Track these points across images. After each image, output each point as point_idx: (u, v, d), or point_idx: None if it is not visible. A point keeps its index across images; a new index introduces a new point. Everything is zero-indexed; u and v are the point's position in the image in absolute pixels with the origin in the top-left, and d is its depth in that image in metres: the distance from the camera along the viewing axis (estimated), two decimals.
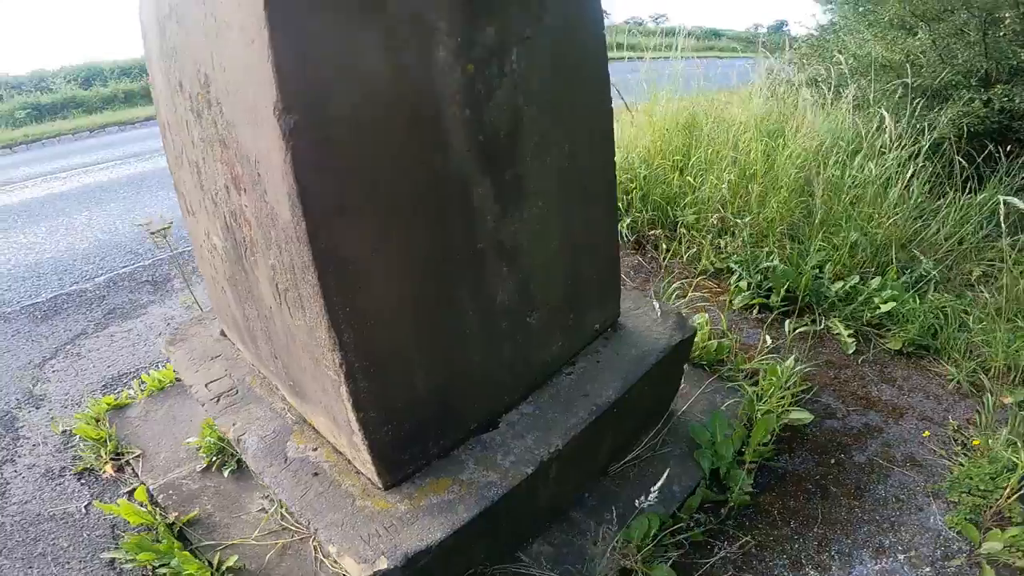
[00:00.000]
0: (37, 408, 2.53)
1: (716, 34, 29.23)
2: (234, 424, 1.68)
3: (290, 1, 0.97)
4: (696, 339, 2.31)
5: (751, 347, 2.55)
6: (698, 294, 2.87)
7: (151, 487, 2.00)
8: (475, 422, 1.58)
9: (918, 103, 3.31)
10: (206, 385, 1.87)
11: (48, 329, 3.17)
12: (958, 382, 2.34)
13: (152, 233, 2.48)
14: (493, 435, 1.58)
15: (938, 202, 3.10)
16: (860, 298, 2.72)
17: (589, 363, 1.81)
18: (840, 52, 4.11)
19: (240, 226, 1.36)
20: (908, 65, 3.51)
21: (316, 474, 1.49)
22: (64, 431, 2.35)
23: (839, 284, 2.80)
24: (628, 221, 3.41)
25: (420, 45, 1.14)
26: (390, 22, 1.08)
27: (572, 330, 1.77)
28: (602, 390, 1.70)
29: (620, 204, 3.43)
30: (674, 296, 2.71)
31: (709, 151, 3.43)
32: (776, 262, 2.85)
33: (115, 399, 2.44)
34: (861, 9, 4.77)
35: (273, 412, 1.71)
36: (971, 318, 2.51)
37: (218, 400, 1.79)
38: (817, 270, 2.86)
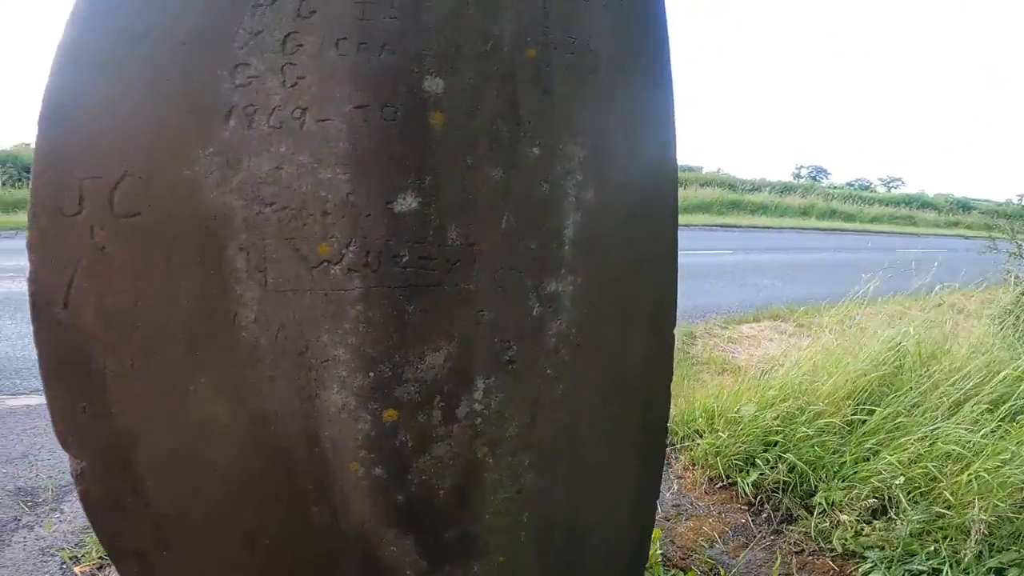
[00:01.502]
0: None
1: (965, 206, 23.19)
2: None
3: None
4: None
5: None
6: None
7: None
8: None
9: None
10: None
11: None
12: None
13: None
14: None
15: None
16: None
17: None
18: None
19: None
20: None
21: None
22: None
23: None
24: (752, 478, 2.45)
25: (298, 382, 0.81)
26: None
27: None
28: None
29: (748, 455, 2.51)
30: None
31: (904, 404, 2.39)
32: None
33: None
34: None
35: None
36: None
37: None
38: None
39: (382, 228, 0.78)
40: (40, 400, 3.35)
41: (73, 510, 2.33)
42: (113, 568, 1.87)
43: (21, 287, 4.96)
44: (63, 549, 2.05)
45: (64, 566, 1.99)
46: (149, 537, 0.82)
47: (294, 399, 0.81)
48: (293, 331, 0.78)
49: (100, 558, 1.99)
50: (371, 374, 0.82)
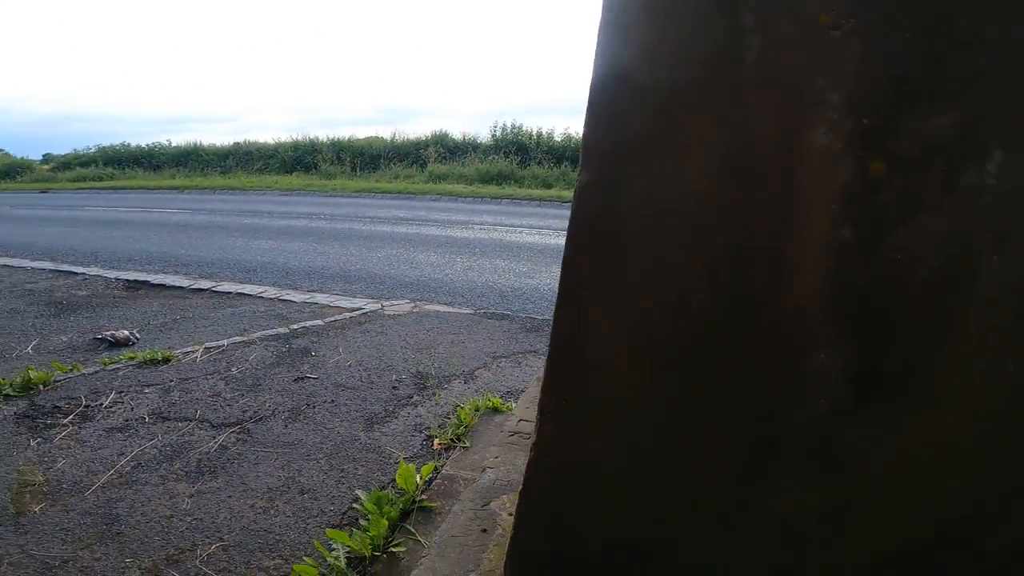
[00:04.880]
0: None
1: None
2: None
3: None
4: None
5: None
6: None
7: None
8: None
9: None
10: None
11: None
12: None
13: None
14: None
15: None
16: None
17: None
18: None
19: None
20: None
21: None
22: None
23: None
24: None
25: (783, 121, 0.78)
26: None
27: None
28: None
29: None
30: None
31: None
32: None
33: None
34: None
35: None
36: None
37: None
38: None
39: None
40: (451, 309, 4.63)
41: (446, 397, 2.92)
42: (457, 448, 2.38)
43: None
44: (429, 428, 2.57)
45: (426, 441, 2.48)
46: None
47: (775, 132, 0.79)
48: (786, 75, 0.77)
49: (451, 439, 2.41)
50: (864, 120, 0.75)
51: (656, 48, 0.85)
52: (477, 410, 2.62)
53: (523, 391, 2.93)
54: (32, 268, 5.80)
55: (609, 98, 0.88)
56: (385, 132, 24.33)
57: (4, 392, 2.76)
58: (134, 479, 2.16)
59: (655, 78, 0.85)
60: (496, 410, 2.65)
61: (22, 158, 28.19)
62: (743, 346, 0.85)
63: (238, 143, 23.99)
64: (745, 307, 0.84)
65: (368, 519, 1.84)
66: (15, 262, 6.14)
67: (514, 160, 17.92)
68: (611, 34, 0.87)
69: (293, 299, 4.68)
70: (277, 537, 1.86)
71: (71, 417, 2.57)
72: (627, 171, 0.88)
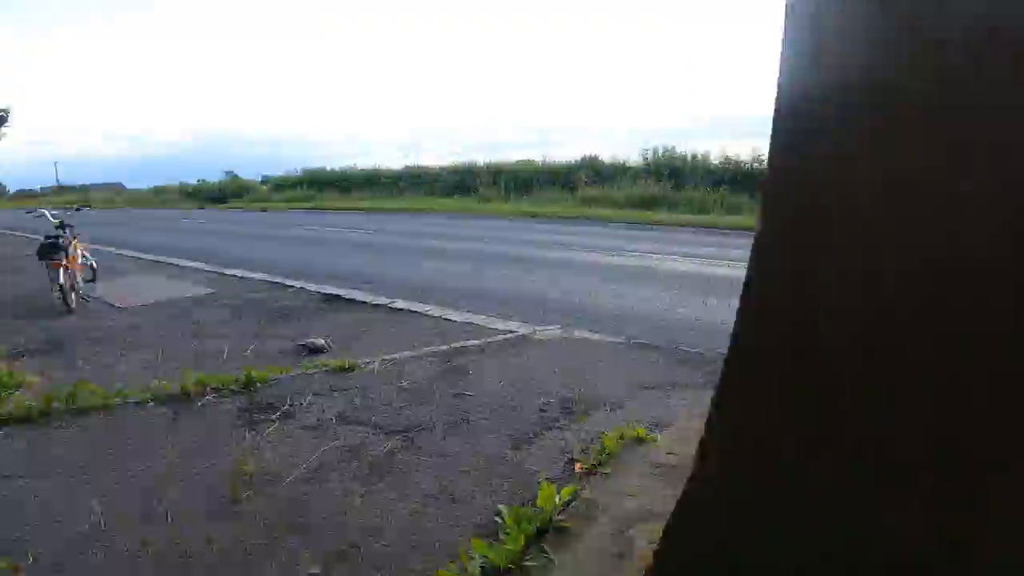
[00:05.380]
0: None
1: None
2: None
3: None
4: None
5: None
6: None
7: None
8: None
9: None
10: None
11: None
12: None
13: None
14: None
15: None
16: None
17: None
18: None
19: None
20: None
21: None
22: None
23: None
24: None
25: None
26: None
27: None
28: None
29: None
30: None
31: None
32: None
33: None
34: None
35: None
36: None
37: None
38: None
39: None
40: (600, 336, 4.67)
41: (591, 423, 2.95)
42: (599, 473, 2.37)
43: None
44: (572, 452, 2.64)
45: (569, 464, 2.53)
46: None
47: None
48: None
49: (593, 464, 2.45)
50: None
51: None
52: (621, 438, 2.63)
53: (670, 423, 2.87)
54: (254, 279, 7.04)
55: (802, 122, 0.88)
56: (535, 153, 25.39)
57: (230, 387, 3.40)
58: (319, 476, 2.51)
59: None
60: (641, 440, 2.64)
61: (247, 180, 34.30)
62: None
63: (409, 167, 26.82)
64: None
65: (507, 533, 1.95)
66: (241, 272, 7.51)
67: (667, 184, 17.45)
68: (798, 56, 0.88)
69: (453, 319, 5.08)
70: (426, 540, 2.05)
71: (278, 414, 3.09)
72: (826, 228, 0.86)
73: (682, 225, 13.32)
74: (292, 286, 6.57)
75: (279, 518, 2.19)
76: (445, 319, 5.09)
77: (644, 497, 2.12)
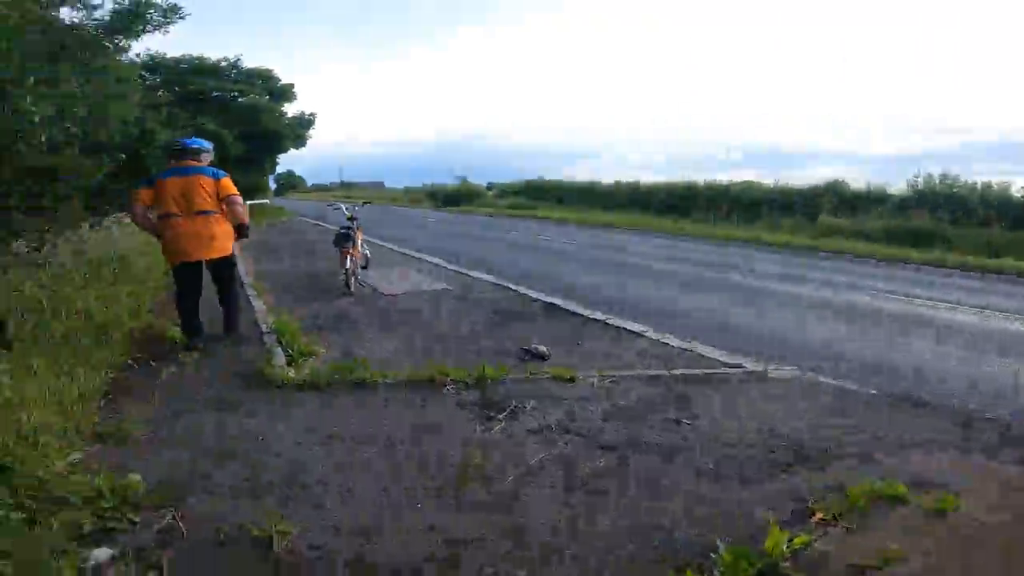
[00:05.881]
0: None
1: None
2: None
3: None
4: None
5: None
6: None
7: None
8: None
9: None
10: None
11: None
12: None
13: None
14: None
15: None
16: None
17: None
18: None
19: None
20: None
21: None
22: None
23: None
24: None
25: None
26: None
27: None
28: None
29: None
30: None
31: None
32: None
33: None
34: None
35: None
36: None
37: None
38: None
39: None
40: (846, 384, 3.96)
41: (833, 473, 2.59)
42: (839, 526, 2.09)
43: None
44: (806, 499, 2.34)
45: (800, 511, 2.26)
46: None
47: None
48: None
49: (834, 516, 2.18)
50: None
51: None
52: (873, 493, 2.32)
53: (941, 486, 2.43)
54: (482, 280, 7.73)
55: None
56: (752, 175, 23.49)
57: (466, 381, 3.72)
58: (536, 480, 2.58)
59: None
60: (899, 500, 2.30)
61: (475, 184, 38.02)
62: None
63: (621, 182, 26.90)
64: None
65: (722, 571, 1.85)
66: (470, 272, 8.30)
67: (943, 217, 14.42)
68: None
69: (672, 344, 4.87)
70: (629, 564, 1.97)
71: (505, 414, 3.28)
72: None
73: (965, 268, 10.87)
74: (514, 290, 7.03)
75: (494, 515, 2.28)
76: (663, 343, 4.90)
77: (899, 563, 1.91)
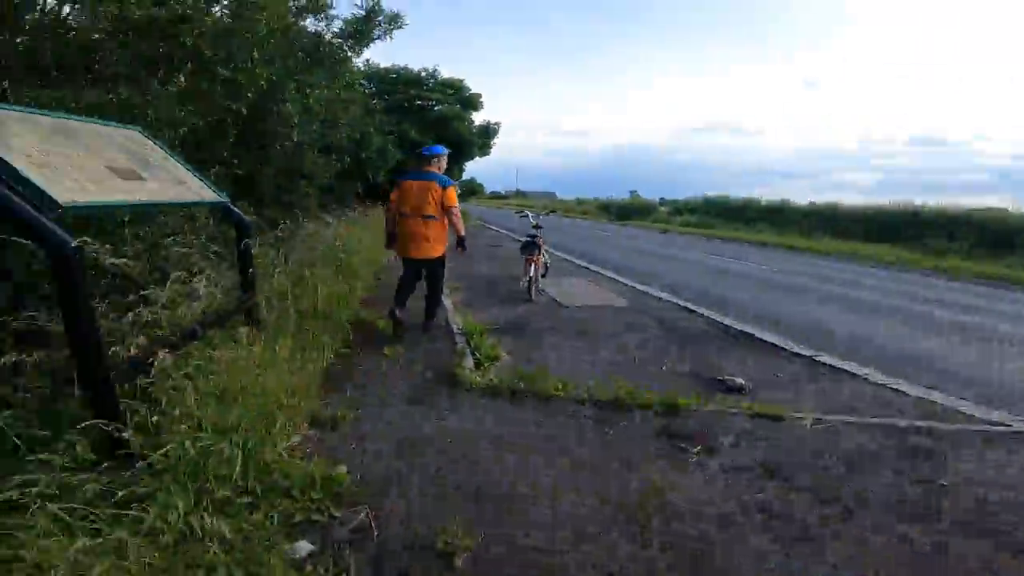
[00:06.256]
0: None
1: None
2: None
3: None
4: None
5: None
6: None
7: None
8: None
9: None
10: None
11: None
12: None
13: None
14: None
15: None
16: None
17: None
18: None
19: None
20: None
21: None
22: None
23: None
24: None
25: None
26: None
27: None
28: None
29: None
30: None
31: None
32: None
33: None
34: None
35: None
36: None
37: None
38: None
39: None
40: None
41: None
42: None
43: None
44: None
45: None
46: None
47: None
48: None
49: None
50: None
51: None
52: None
53: None
54: (662, 299, 7.32)
55: None
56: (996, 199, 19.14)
57: (654, 408, 3.45)
58: (731, 524, 2.28)
59: None
60: None
61: (647, 200, 36.88)
62: None
63: (815, 203, 24.07)
64: None
65: None
66: (650, 290, 7.92)
67: None
68: None
69: (905, 391, 4.05)
70: None
71: (699, 447, 2.96)
72: None
73: None
74: (696, 311, 6.53)
75: (680, 557, 2.08)
76: (892, 388, 4.11)
77: None
